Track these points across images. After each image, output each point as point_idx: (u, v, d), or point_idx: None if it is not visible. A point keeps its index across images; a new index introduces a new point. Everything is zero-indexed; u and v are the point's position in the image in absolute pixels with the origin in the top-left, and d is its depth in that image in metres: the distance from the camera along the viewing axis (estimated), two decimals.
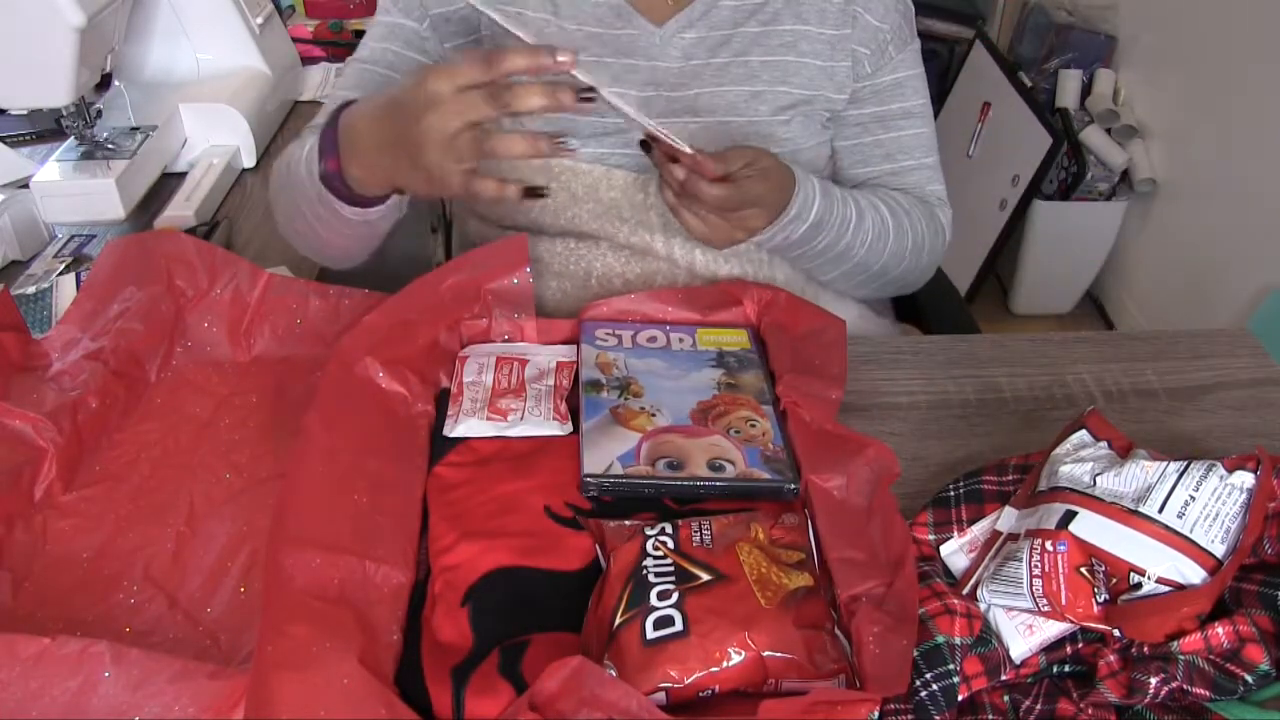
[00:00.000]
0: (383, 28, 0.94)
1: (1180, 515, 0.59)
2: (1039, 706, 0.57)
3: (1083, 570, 0.58)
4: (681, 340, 0.83)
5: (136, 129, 1.19)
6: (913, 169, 0.99)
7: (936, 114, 1.22)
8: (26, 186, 1.11)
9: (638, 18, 0.91)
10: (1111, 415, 0.70)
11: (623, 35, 0.91)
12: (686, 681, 0.54)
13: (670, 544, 0.60)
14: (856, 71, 0.95)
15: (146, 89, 1.29)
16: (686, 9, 0.92)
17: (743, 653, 0.54)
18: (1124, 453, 0.67)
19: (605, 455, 0.69)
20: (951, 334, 0.97)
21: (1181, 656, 0.56)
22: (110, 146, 1.15)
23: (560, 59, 0.65)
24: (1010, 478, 0.70)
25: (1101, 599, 0.58)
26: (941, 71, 2.61)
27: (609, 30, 0.91)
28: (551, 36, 0.91)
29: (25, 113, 1.29)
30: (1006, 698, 0.58)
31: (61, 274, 1.03)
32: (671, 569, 0.58)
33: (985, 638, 0.59)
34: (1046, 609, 0.58)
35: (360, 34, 1.63)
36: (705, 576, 0.58)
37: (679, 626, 0.55)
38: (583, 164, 0.92)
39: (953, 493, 0.70)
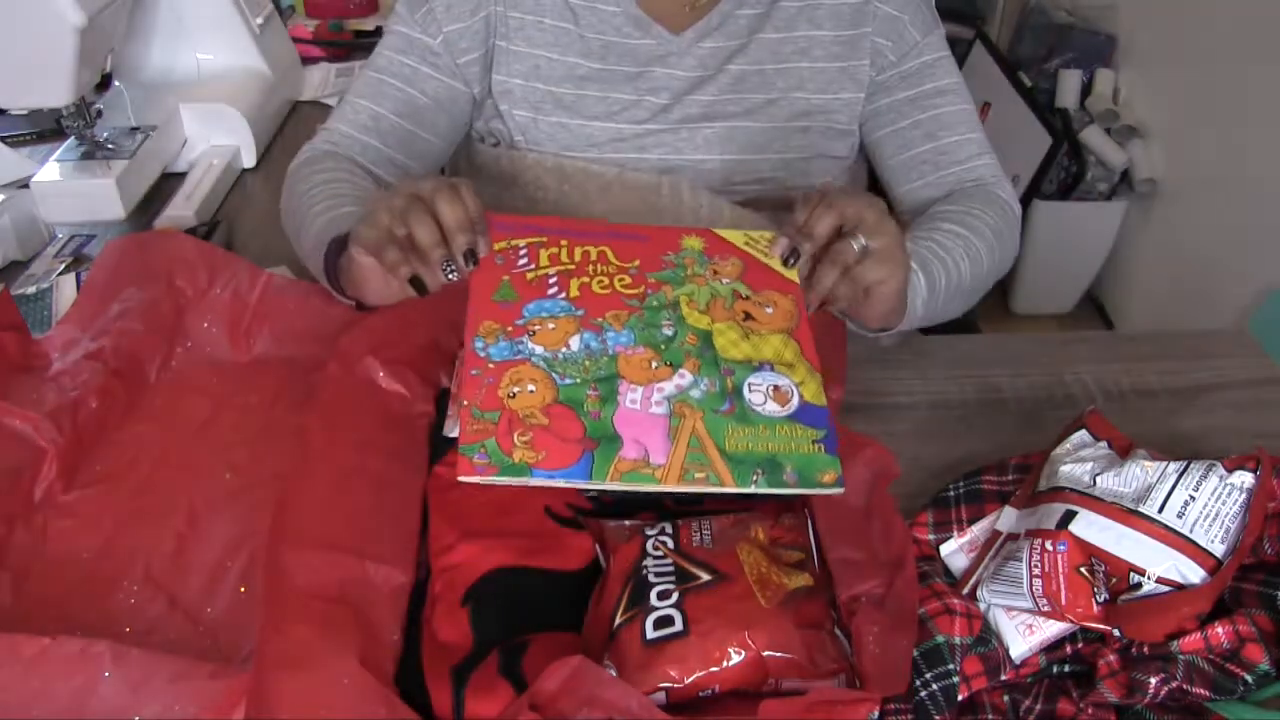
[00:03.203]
0: (399, 38, 0.93)
1: (1180, 515, 0.59)
2: (1039, 706, 0.57)
3: (1083, 570, 0.58)
4: None
5: (136, 129, 1.18)
6: (958, 144, 0.93)
7: None
8: (26, 186, 1.10)
9: (655, 27, 0.92)
10: (1111, 415, 0.70)
11: (641, 45, 0.92)
12: (686, 681, 0.54)
13: (670, 544, 0.60)
14: (879, 63, 0.94)
15: (146, 89, 1.29)
16: (704, 18, 0.92)
17: (743, 652, 0.54)
18: (1124, 453, 0.67)
19: None
20: (951, 334, 0.97)
21: (1181, 656, 0.56)
22: (110, 146, 1.15)
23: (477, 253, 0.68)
24: (1010, 478, 0.70)
25: (1101, 599, 0.58)
26: None
27: (627, 40, 0.92)
28: (570, 47, 0.92)
29: (25, 113, 1.29)
30: (1006, 698, 0.58)
31: (61, 274, 1.03)
32: (671, 569, 0.58)
33: (985, 638, 0.59)
34: (1046, 609, 0.58)
35: (360, 34, 1.63)
36: (705, 576, 0.58)
37: (679, 626, 0.55)
38: (594, 165, 0.93)
39: (953, 493, 0.70)
